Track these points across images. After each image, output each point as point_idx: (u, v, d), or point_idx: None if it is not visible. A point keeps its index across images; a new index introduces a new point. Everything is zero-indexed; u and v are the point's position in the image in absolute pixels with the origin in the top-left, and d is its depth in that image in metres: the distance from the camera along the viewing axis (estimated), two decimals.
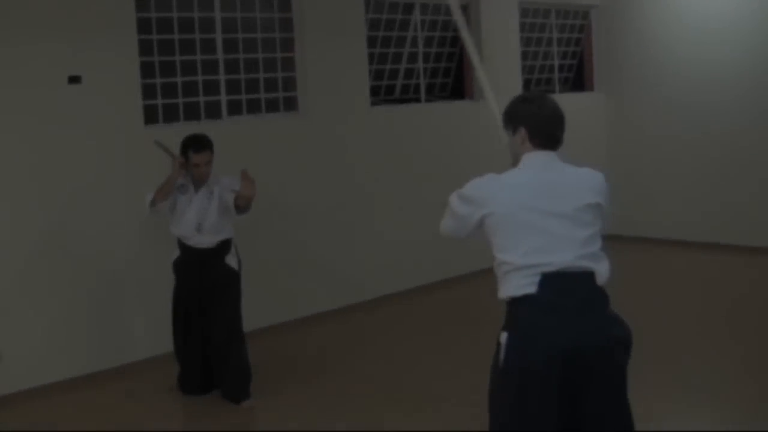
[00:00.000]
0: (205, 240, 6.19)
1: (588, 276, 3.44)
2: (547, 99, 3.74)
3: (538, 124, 3.63)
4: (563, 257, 3.41)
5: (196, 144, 6.15)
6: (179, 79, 7.56)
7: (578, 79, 11.68)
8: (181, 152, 6.13)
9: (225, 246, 6.27)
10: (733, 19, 10.35)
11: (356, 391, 6.34)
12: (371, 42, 9.03)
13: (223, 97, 7.83)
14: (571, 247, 3.43)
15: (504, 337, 3.46)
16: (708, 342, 7.12)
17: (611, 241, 10.68)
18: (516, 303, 3.46)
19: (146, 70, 7.33)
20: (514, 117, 3.66)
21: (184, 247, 6.29)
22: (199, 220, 6.15)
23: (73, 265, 6.87)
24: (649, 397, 5.44)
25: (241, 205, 6.04)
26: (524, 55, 10.73)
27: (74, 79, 6.82)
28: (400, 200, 9.03)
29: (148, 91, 7.34)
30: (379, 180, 8.84)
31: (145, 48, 7.30)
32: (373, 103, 9.08)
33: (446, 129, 9.47)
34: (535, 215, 3.47)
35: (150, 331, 7.20)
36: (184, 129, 7.42)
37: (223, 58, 7.81)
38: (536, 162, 3.61)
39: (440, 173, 9.29)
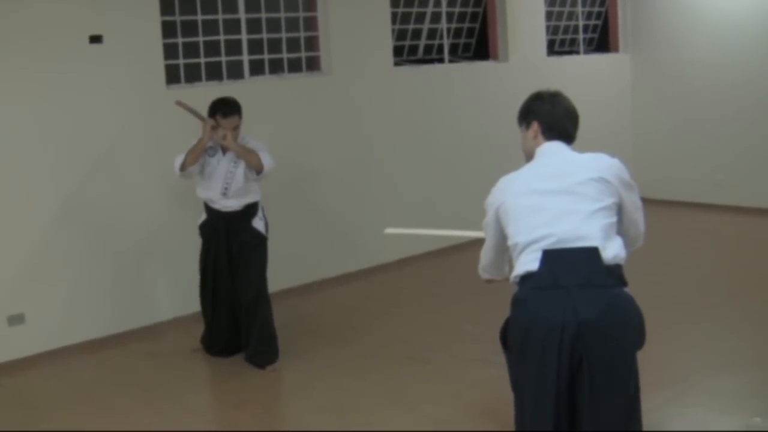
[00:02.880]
0: (232, 203, 6.12)
1: (591, 252, 3.36)
2: (561, 97, 3.77)
3: (551, 120, 3.69)
4: (563, 227, 3.39)
5: (225, 107, 6.01)
6: (201, 39, 7.49)
7: (603, 40, 11.53)
8: (209, 116, 6.02)
9: (251, 209, 6.20)
10: None
11: (381, 351, 6.31)
12: (394, 1, 8.92)
13: (246, 57, 7.76)
14: (573, 219, 3.41)
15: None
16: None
17: None
18: (520, 282, 3.47)
19: (168, 29, 7.26)
20: (528, 113, 3.74)
21: (210, 210, 6.23)
22: (226, 184, 6.07)
23: (96, 227, 6.87)
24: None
25: (248, 166, 6.06)
26: (548, 16, 10.59)
27: (95, 39, 6.77)
28: (423, 160, 8.95)
29: (169, 51, 7.28)
30: (402, 140, 8.77)
31: (166, 7, 7.24)
32: (396, 64, 8.98)
33: (470, 90, 9.37)
34: (537, 196, 3.51)
35: (174, 292, 7.19)
36: (206, 89, 7.42)
37: (245, 17, 7.72)
38: (546, 151, 3.67)
39: (463, 134, 9.24)
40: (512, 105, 9.87)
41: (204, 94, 7.35)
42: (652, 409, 4.61)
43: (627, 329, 3.38)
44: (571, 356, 3.30)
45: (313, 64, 8.23)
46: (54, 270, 6.69)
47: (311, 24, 8.20)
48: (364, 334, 6.76)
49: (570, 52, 11.02)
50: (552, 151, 3.66)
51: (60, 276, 6.70)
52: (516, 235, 3.50)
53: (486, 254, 3.85)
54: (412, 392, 5.54)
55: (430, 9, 9.36)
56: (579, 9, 11.03)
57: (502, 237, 3.66)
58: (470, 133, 9.28)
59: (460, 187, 9.15)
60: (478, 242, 9.34)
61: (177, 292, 7.17)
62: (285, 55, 8.04)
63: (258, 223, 6.22)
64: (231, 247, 6.16)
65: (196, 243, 6.44)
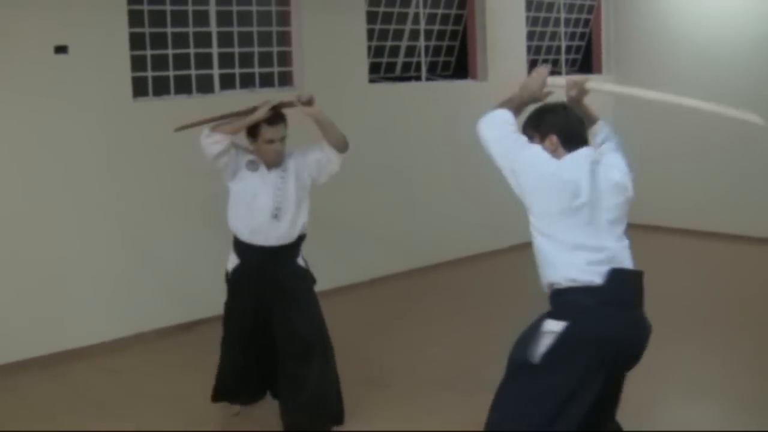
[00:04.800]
0: (282, 232, 5.08)
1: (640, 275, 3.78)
2: (569, 106, 4.01)
3: (569, 130, 3.89)
4: (614, 245, 3.74)
5: (271, 115, 5.07)
6: (170, 52, 7.44)
7: (586, 61, 11.51)
8: (252, 126, 5.04)
9: (301, 240, 5.25)
10: (751, 7, 10.16)
11: (341, 373, 6.22)
12: (371, 18, 8.89)
13: (216, 71, 7.70)
14: (616, 236, 3.79)
15: (558, 325, 3.63)
16: (711, 333, 6.98)
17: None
18: (577, 291, 3.66)
19: (136, 41, 7.20)
20: (542, 126, 3.89)
21: (247, 248, 5.12)
22: (277, 203, 5.05)
23: (57, 240, 6.77)
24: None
25: (332, 141, 5.26)
26: (530, 36, 10.56)
27: (61, 49, 6.71)
28: (398, 179, 8.88)
29: (137, 64, 7.22)
30: (376, 158, 8.70)
31: (134, 19, 7.18)
32: (373, 81, 8.94)
33: (447, 108, 9.31)
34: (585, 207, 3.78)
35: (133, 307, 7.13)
36: (174, 103, 7.38)
37: (216, 30, 7.67)
38: None
39: (439, 152, 9.19)
40: None
41: (172, 107, 7.35)
42: None
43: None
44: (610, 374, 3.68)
45: (285, 79, 8.18)
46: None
47: (285, 39, 8.15)
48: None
49: (553, 73, 10.93)
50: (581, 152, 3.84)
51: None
52: (557, 231, 3.72)
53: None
54: (366, 417, 5.44)
55: (408, 26, 9.32)
56: (561, 29, 11.01)
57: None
58: (447, 151, 9.22)
59: (435, 207, 9.10)
60: (450, 266, 9.25)
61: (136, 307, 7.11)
62: (257, 70, 7.99)
63: (300, 260, 5.29)
64: (271, 294, 5.13)
65: (160, 260, 6.36)
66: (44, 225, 6.70)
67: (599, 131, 4.17)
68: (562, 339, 3.60)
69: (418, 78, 9.44)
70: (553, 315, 3.69)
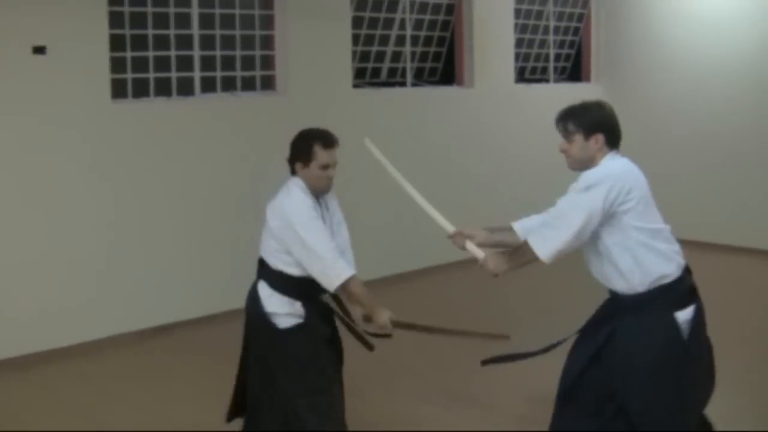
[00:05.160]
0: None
1: None
2: (607, 104, 4.08)
3: (614, 129, 3.98)
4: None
5: (327, 138, 4.67)
6: (151, 54, 7.40)
7: (575, 70, 11.49)
8: (304, 148, 4.64)
9: None
10: (742, 10, 10.14)
11: None
12: (357, 23, 8.86)
13: (197, 74, 7.67)
14: None
15: (690, 311, 3.87)
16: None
17: None
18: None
19: (116, 42, 7.16)
20: (588, 124, 3.92)
21: (314, 303, 4.58)
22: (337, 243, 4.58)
23: (36, 239, 6.73)
24: None
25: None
26: (519, 43, 10.54)
27: (39, 50, 6.67)
28: (380, 186, 8.82)
29: (117, 65, 7.18)
30: (358, 164, 8.63)
31: (115, 20, 7.15)
32: (358, 86, 8.91)
33: (432, 115, 9.29)
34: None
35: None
36: (154, 105, 7.35)
37: (198, 33, 7.64)
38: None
39: (424, 159, 9.11)
40: (476, 131, 9.89)
41: (151, 109, 7.32)
42: None
43: None
44: None
45: (268, 83, 8.15)
46: None
47: (268, 42, 8.11)
48: None
49: (540, 80, 10.96)
50: (617, 155, 3.98)
51: None
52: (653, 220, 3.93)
53: (569, 243, 3.87)
54: None
55: (394, 32, 9.29)
56: (551, 37, 10.98)
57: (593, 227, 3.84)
58: (431, 158, 9.17)
59: (421, 214, 9.03)
60: (427, 273, 9.15)
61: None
62: (239, 73, 7.95)
63: None
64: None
65: (136, 262, 6.30)
66: (17, 226, 6.65)
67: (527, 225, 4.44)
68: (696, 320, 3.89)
69: (403, 84, 9.41)
70: (677, 306, 3.86)
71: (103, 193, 7.02)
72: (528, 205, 10.87)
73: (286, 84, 8.10)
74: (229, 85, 7.91)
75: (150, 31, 7.38)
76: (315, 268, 4.34)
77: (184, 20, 7.56)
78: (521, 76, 10.72)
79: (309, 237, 4.35)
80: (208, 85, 7.78)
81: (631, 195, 3.82)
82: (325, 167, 4.58)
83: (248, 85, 8.05)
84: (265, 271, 4.56)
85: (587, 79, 11.37)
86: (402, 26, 9.31)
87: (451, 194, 9.14)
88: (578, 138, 3.94)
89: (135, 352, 6.93)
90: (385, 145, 8.63)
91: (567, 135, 3.98)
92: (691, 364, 3.87)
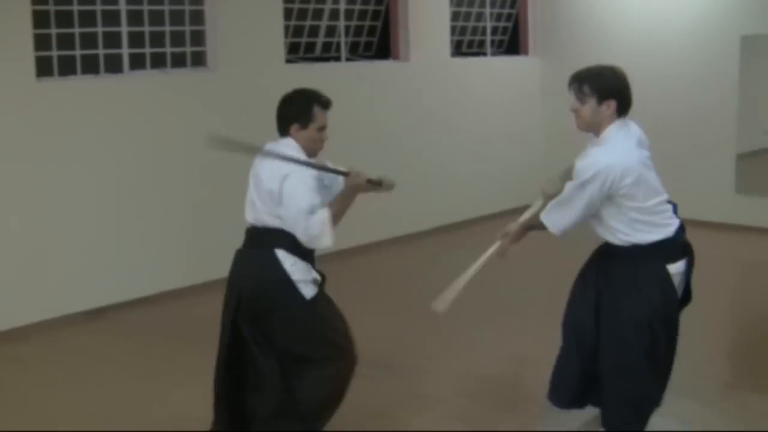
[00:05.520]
0: None
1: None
2: (621, 70, 4.27)
3: (627, 97, 4.18)
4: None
5: (326, 99, 4.62)
6: (77, 30, 7.25)
7: (513, 43, 11.48)
8: (305, 107, 4.53)
9: None
10: None
11: None
12: None
13: (125, 50, 7.53)
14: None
15: (681, 265, 4.19)
16: None
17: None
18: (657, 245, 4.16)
19: (40, 19, 7.00)
20: (603, 89, 4.11)
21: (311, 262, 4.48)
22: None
23: None
24: None
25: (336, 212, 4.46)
26: (455, 16, 10.50)
27: None
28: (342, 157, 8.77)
29: (41, 42, 7.02)
30: None
31: None
32: (291, 61, 8.82)
33: (367, 90, 9.23)
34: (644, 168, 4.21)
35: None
36: (81, 83, 7.22)
37: (125, 8, 7.49)
38: (625, 128, 4.22)
39: (358, 134, 9.06)
40: (412, 105, 9.83)
41: (79, 87, 7.19)
42: None
43: None
44: None
45: (198, 60, 8.04)
46: None
47: (197, 17, 7.99)
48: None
49: (478, 54, 10.94)
50: (623, 126, 4.19)
51: None
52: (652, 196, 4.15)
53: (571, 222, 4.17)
54: None
55: (328, 6, 9.20)
56: (487, 10, 10.96)
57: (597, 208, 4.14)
58: (367, 133, 9.13)
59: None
60: (369, 249, 9.10)
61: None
62: (168, 50, 7.83)
63: None
64: None
65: (65, 246, 6.18)
66: None
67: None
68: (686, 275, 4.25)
69: (337, 59, 9.33)
70: (668, 260, 4.16)
71: (28, 175, 6.87)
72: (465, 178, 11.00)
73: (217, 60, 8.00)
74: (158, 61, 7.79)
75: (75, 7, 7.23)
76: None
77: None
78: (458, 50, 10.70)
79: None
80: (137, 62, 7.65)
81: (624, 182, 4.02)
82: (322, 129, 4.55)
83: (179, 61, 7.93)
84: (276, 238, 4.31)
85: (525, 52, 11.37)
86: (336, 0, 9.22)
87: (388, 169, 9.06)
88: (591, 101, 4.12)
89: (64, 336, 6.83)
90: None
91: (581, 96, 4.15)
92: (675, 317, 4.24)
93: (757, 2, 9.75)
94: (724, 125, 9.97)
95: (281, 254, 4.27)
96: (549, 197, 4.34)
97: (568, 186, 4.16)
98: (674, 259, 4.18)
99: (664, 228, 4.17)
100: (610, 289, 4.23)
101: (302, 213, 4.19)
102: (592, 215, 4.18)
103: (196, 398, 5.08)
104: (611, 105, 4.11)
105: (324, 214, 4.23)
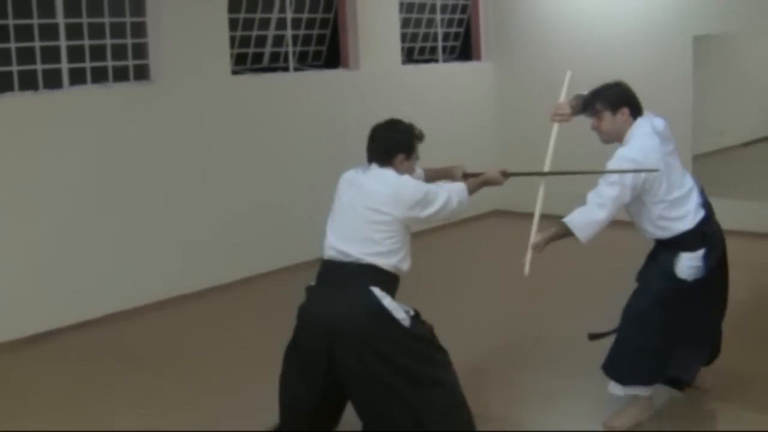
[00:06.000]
0: None
1: None
2: (623, 81, 4.89)
3: (635, 102, 4.77)
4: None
5: (422, 135, 4.64)
6: (12, 45, 7.05)
7: (465, 48, 11.41)
8: (410, 142, 4.55)
9: None
10: None
11: (191, 383, 5.98)
12: (235, 6, 8.61)
13: (65, 65, 7.34)
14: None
15: (701, 253, 4.68)
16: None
17: (495, 216, 10.55)
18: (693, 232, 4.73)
19: None
20: (616, 100, 4.73)
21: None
22: None
23: None
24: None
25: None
26: (406, 23, 10.41)
27: None
28: (264, 173, 8.62)
29: None
30: (241, 153, 8.44)
31: None
32: (238, 72, 8.67)
33: (317, 99, 9.10)
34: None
35: None
36: (19, 100, 7.02)
37: (64, 22, 7.30)
38: (646, 123, 4.76)
39: (309, 145, 8.96)
40: (363, 114, 9.71)
41: (17, 104, 6.99)
42: None
43: None
44: None
45: (141, 73, 7.86)
46: None
47: (139, 30, 7.82)
48: (180, 363, 6.41)
49: (429, 61, 10.85)
50: (646, 123, 4.74)
51: None
52: (674, 190, 4.70)
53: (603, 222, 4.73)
54: (217, 428, 5.23)
55: (275, 15, 9.06)
56: (438, 16, 10.88)
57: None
58: (316, 144, 9.01)
59: (309, 200, 8.88)
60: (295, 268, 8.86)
61: None
62: (110, 63, 7.65)
63: None
64: None
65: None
66: None
67: None
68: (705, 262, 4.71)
69: (286, 69, 9.19)
70: (685, 249, 4.69)
71: None
72: None
73: (160, 73, 7.83)
74: (100, 76, 7.61)
75: (11, 21, 7.03)
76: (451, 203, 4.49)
77: (47, 8, 7.22)
78: (410, 57, 10.61)
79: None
80: (78, 77, 7.46)
81: (646, 185, 4.62)
82: (417, 158, 4.65)
83: (121, 75, 7.75)
84: (371, 276, 4.26)
85: (477, 57, 11.31)
86: (282, 9, 9.08)
87: (340, 174, 8.99)
88: (607, 115, 4.74)
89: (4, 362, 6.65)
90: (267, 133, 8.55)
91: (596, 114, 4.78)
92: (678, 296, 4.72)
93: (709, 3, 9.75)
94: (679, 127, 9.80)
95: (377, 292, 4.23)
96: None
97: (594, 193, 4.75)
98: (692, 248, 4.68)
99: (685, 220, 4.69)
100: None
101: (442, 201, 4.45)
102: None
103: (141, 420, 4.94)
104: (625, 112, 4.71)
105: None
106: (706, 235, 4.72)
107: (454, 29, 11.25)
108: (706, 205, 4.84)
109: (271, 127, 8.69)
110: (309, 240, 8.81)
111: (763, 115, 15.97)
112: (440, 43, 11.00)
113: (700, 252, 4.69)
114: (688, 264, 4.71)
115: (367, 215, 4.31)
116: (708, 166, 10.13)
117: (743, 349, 5.90)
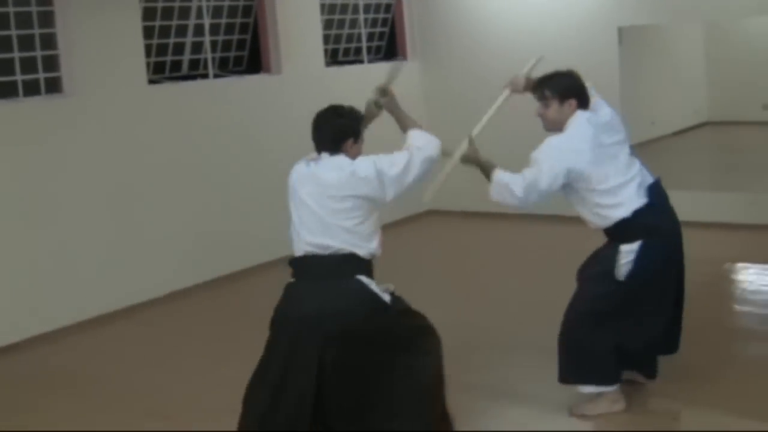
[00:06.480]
0: None
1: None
2: (575, 72, 4.92)
3: (584, 94, 4.83)
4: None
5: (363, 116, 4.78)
6: None
7: (390, 48, 11.32)
8: (357, 125, 4.56)
9: None
10: None
11: (117, 406, 5.81)
12: (150, 14, 8.43)
13: None
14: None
15: (635, 245, 4.63)
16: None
17: (429, 216, 10.47)
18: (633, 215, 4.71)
19: None
20: (565, 91, 4.78)
21: None
22: None
23: None
24: None
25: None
26: (329, 24, 10.30)
27: None
28: (187, 184, 8.44)
29: None
30: (163, 164, 8.25)
31: None
32: (155, 81, 8.49)
33: (238, 106, 8.95)
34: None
35: None
36: None
37: None
38: (585, 114, 4.79)
39: (232, 152, 8.81)
40: (287, 119, 9.57)
41: None
42: None
43: None
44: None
45: (53, 86, 7.64)
46: None
47: (49, 41, 7.61)
48: (105, 385, 6.23)
49: (355, 62, 10.74)
50: (584, 114, 4.78)
51: None
52: (609, 179, 4.69)
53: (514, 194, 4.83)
54: None
55: (192, 21, 8.89)
56: (361, 16, 10.78)
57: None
58: (240, 150, 8.85)
59: (234, 209, 8.73)
60: (246, 275, 8.77)
61: None
62: (19, 77, 7.43)
63: None
64: None
65: None
66: None
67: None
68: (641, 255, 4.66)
69: (205, 76, 9.02)
70: (623, 240, 4.70)
71: None
72: None
73: (73, 85, 7.62)
74: (9, 90, 7.38)
75: None
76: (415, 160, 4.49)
77: None
78: (334, 59, 10.50)
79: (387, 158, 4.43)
80: None
81: (573, 174, 4.67)
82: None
83: (31, 89, 7.53)
84: (354, 264, 4.28)
85: (403, 56, 11.21)
86: (200, 15, 8.91)
87: (265, 185, 8.88)
88: (554, 103, 4.77)
89: None
90: (189, 142, 8.38)
91: (544, 100, 4.81)
92: (618, 297, 4.73)
93: None
94: None
95: (366, 280, 4.27)
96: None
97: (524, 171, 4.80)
98: (629, 239, 4.67)
99: (621, 208, 4.68)
100: None
101: (405, 156, 4.47)
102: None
103: None
104: (572, 103, 4.75)
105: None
106: (647, 226, 4.69)
107: (378, 29, 11.17)
108: (656, 196, 4.81)
109: (193, 136, 8.52)
110: (237, 249, 8.73)
111: (693, 104, 16.19)
112: (365, 44, 10.90)
113: (636, 244, 4.66)
114: (626, 259, 4.70)
115: (331, 205, 4.26)
116: (641, 156, 10.13)
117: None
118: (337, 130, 4.41)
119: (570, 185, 4.77)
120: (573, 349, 4.87)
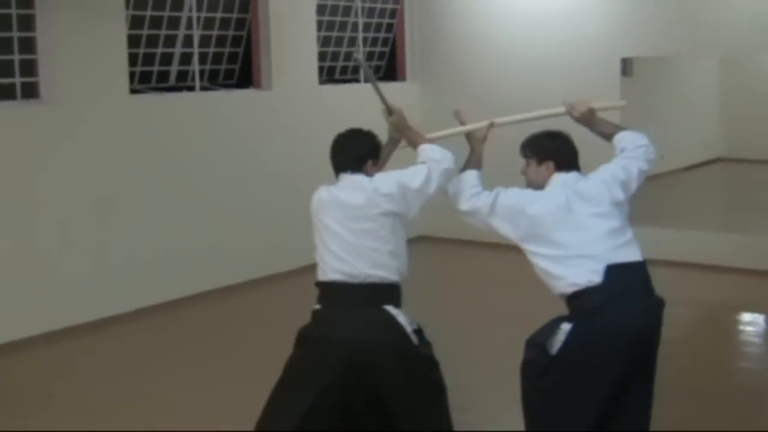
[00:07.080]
0: None
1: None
2: (564, 134, 4.66)
3: (564, 158, 4.57)
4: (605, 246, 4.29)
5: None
6: None
7: (390, 68, 11.20)
8: (377, 147, 4.67)
9: None
10: (556, 7, 10.14)
11: (76, 425, 5.65)
12: (138, 22, 8.32)
13: None
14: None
15: (566, 326, 4.22)
16: None
17: (423, 242, 10.31)
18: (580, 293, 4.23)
19: None
20: (542, 151, 4.58)
21: None
22: None
23: None
24: None
25: None
26: (326, 41, 10.17)
27: None
28: (167, 200, 8.30)
29: None
30: (141, 177, 8.12)
31: None
32: (138, 91, 8.37)
33: (225, 121, 8.81)
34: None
35: None
36: None
37: None
38: (562, 179, 4.51)
39: (214, 170, 8.67)
40: (276, 136, 9.44)
41: None
42: None
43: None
44: (629, 366, 4.25)
45: (30, 91, 7.53)
46: None
47: (28, 45, 7.50)
48: (66, 403, 6.07)
49: (351, 81, 10.61)
50: (561, 177, 4.49)
51: None
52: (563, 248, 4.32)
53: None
54: None
55: (182, 32, 8.78)
56: (360, 35, 10.65)
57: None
58: (222, 166, 8.71)
59: (213, 230, 8.58)
60: (230, 291, 8.64)
61: None
62: None
63: None
64: None
65: None
66: None
67: (618, 142, 4.82)
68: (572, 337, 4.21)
69: (192, 88, 8.89)
70: (565, 319, 4.28)
71: None
72: None
73: (51, 92, 7.51)
74: None
75: None
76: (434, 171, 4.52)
77: None
78: (330, 77, 10.37)
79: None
80: None
81: (524, 220, 4.38)
82: None
83: (7, 93, 7.42)
84: (382, 293, 4.33)
85: (403, 77, 11.12)
86: (189, 26, 8.79)
87: (249, 203, 8.74)
88: (532, 163, 4.58)
89: None
90: (171, 155, 8.25)
91: (525, 159, 4.64)
92: (549, 376, 4.31)
93: (637, 25, 9.70)
94: (608, 148, 9.76)
95: (393, 310, 4.31)
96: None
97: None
98: (567, 318, 4.29)
99: (561, 281, 4.30)
100: None
101: (425, 168, 4.48)
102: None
103: None
104: (550, 166, 4.52)
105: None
106: (589, 310, 4.23)
107: (378, 48, 11.04)
108: (616, 277, 4.26)
109: (175, 149, 8.39)
110: (221, 265, 8.59)
111: (705, 139, 15.99)
112: (364, 63, 10.75)
113: (568, 326, 4.25)
114: (559, 338, 4.29)
115: (356, 226, 4.27)
116: (650, 191, 9.96)
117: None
118: (362, 150, 4.49)
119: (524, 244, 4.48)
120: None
